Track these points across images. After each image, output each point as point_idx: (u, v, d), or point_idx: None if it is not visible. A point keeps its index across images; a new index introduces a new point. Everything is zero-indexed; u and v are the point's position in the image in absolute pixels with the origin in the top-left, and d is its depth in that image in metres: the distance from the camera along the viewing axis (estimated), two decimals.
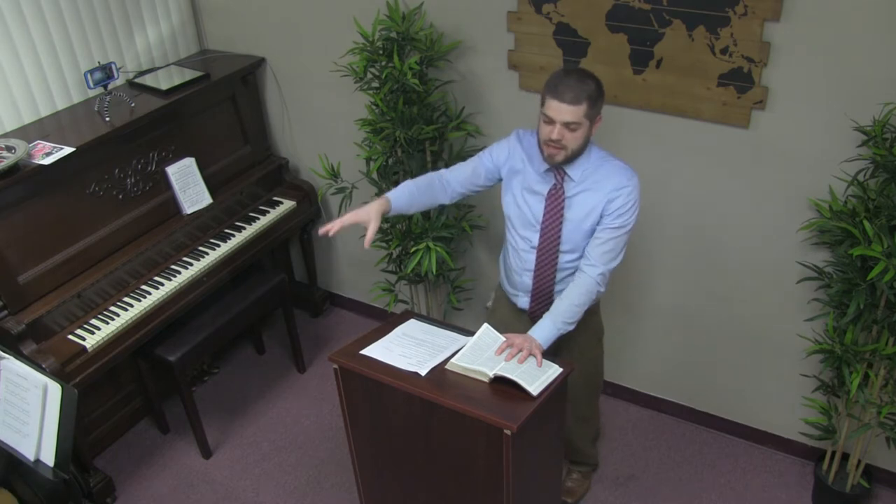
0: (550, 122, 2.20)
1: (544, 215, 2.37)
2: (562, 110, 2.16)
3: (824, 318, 2.60)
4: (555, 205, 2.35)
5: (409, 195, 2.42)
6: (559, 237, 2.38)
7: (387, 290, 3.37)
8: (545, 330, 2.30)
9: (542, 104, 2.22)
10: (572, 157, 2.27)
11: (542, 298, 2.49)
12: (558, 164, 2.29)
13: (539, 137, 2.28)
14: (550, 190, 2.35)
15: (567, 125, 2.19)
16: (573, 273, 2.42)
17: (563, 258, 2.41)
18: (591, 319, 2.60)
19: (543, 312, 2.38)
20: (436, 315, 3.47)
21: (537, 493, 2.39)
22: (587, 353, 2.67)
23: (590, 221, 2.34)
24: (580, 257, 2.40)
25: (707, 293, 3.00)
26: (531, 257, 2.45)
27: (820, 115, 2.49)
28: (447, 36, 3.00)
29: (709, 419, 3.28)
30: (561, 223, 2.36)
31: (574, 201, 2.34)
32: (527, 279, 2.50)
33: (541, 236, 2.40)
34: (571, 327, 2.35)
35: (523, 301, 2.57)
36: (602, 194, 2.31)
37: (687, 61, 2.60)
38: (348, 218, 2.30)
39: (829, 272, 2.61)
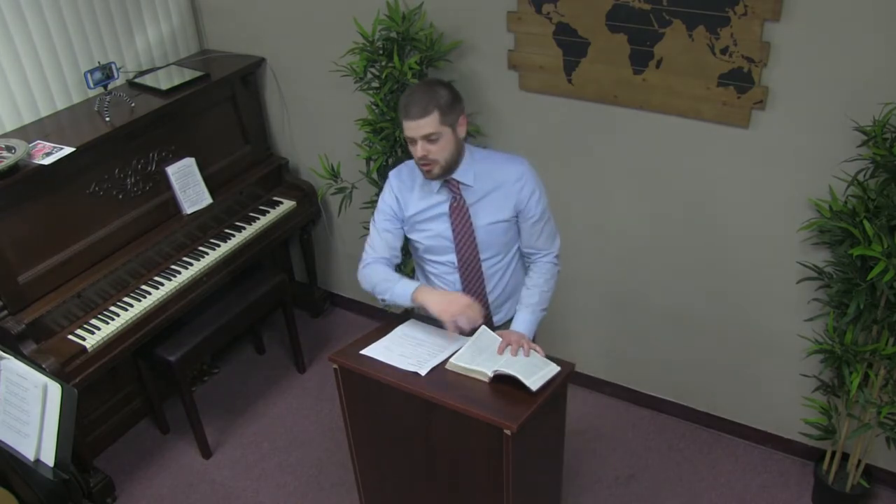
0: (413, 142, 2.18)
1: (453, 232, 2.32)
2: (412, 127, 2.14)
3: (824, 318, 2.60)
4: (460, 218, 2.30)
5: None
6: (476, 247, 2.34)
7: None
8: (526, 321, 2.35)
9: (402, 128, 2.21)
10: (450, 168, 2.23)
11: (483, 308, 2.41)
12: (439, 177, 2.24)
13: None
14: (451, 205, 2.30)
15: (426, 139, 2.15)
16: (503, 274, 2.41)
17: (487, 264, 2.38)
18: None
19: (492, 317, 2.44)
20: None
21: (537, 493, 2.39)
22: None
23: (502, 218, 2.31)
24: (505, 256, 2.39)
25: (707, 293, 3.00)
26: (457, 278, 2.40)
27: (820, 115, 2.48)
28: (447, 36, 3.00)
29: (709, 419, 3.28)
30: (473, 233, 2.32)
31: (478, 207, 2.30)
32: None
33: (457, 253, 2.35)
34: (546, 312, 2.42)
35: None
36: (504, 190, 2.29)
37: (687, 61, 2.60)
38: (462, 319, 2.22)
39: (829, 272, 2.61)
